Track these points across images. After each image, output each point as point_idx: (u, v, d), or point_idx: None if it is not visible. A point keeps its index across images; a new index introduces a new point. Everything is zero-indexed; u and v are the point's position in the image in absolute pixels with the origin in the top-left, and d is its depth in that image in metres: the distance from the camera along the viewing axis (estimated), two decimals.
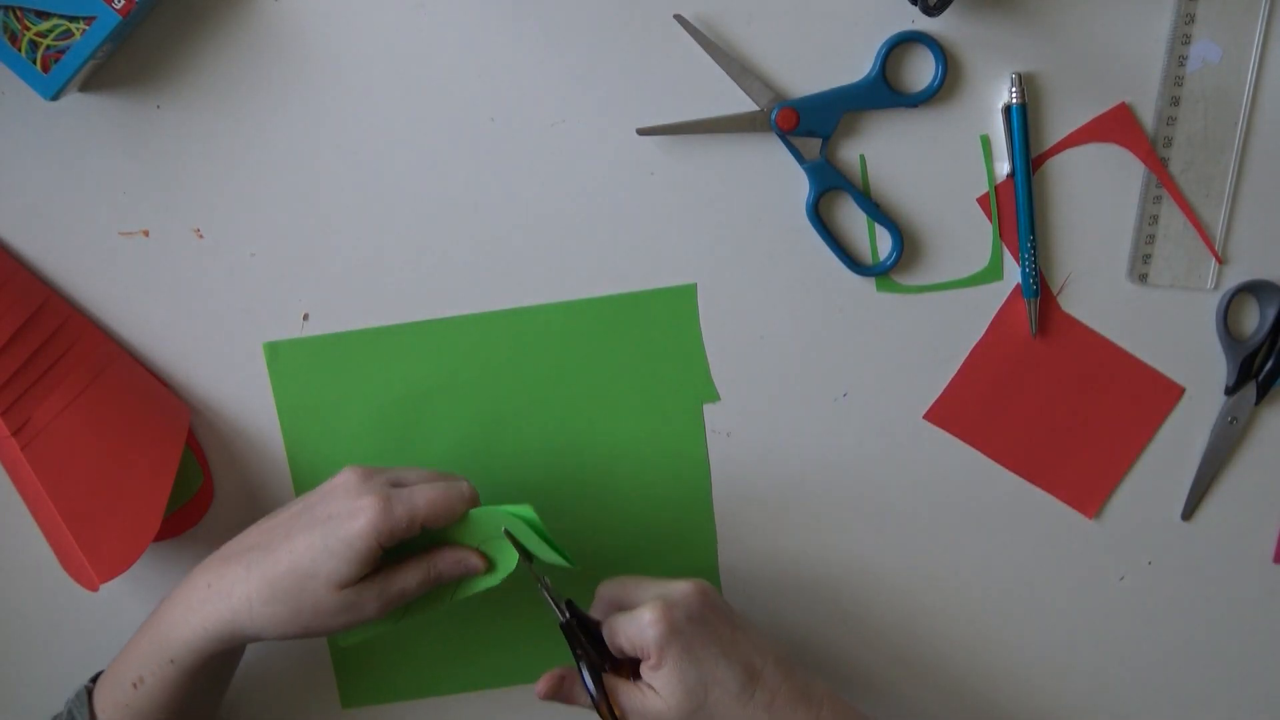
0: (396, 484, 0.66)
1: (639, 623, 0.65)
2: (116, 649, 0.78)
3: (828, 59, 0.72)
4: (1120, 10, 0.72)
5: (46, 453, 0.70)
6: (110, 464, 0.71)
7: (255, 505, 0.77)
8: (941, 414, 0.76)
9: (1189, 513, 0.78)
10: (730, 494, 0.77)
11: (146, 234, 0.74)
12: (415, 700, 0.79)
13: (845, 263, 0.74)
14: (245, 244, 0.74)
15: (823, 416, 0.76)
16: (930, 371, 0.76)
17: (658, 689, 0.65)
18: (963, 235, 0.74)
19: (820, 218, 0.73)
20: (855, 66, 0.72)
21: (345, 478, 0.66)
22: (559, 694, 0.68)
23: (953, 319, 0.75)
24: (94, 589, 0.69)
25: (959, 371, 0.76)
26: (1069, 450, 0.77)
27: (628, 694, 0.66)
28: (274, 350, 0.75)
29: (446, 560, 0.66)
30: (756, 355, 0.75)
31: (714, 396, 0.76)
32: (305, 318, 0.75)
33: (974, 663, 0.79)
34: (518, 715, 0.80)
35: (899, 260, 0.74)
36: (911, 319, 0.75)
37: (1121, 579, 0.79)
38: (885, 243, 0.74)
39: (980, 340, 0.75)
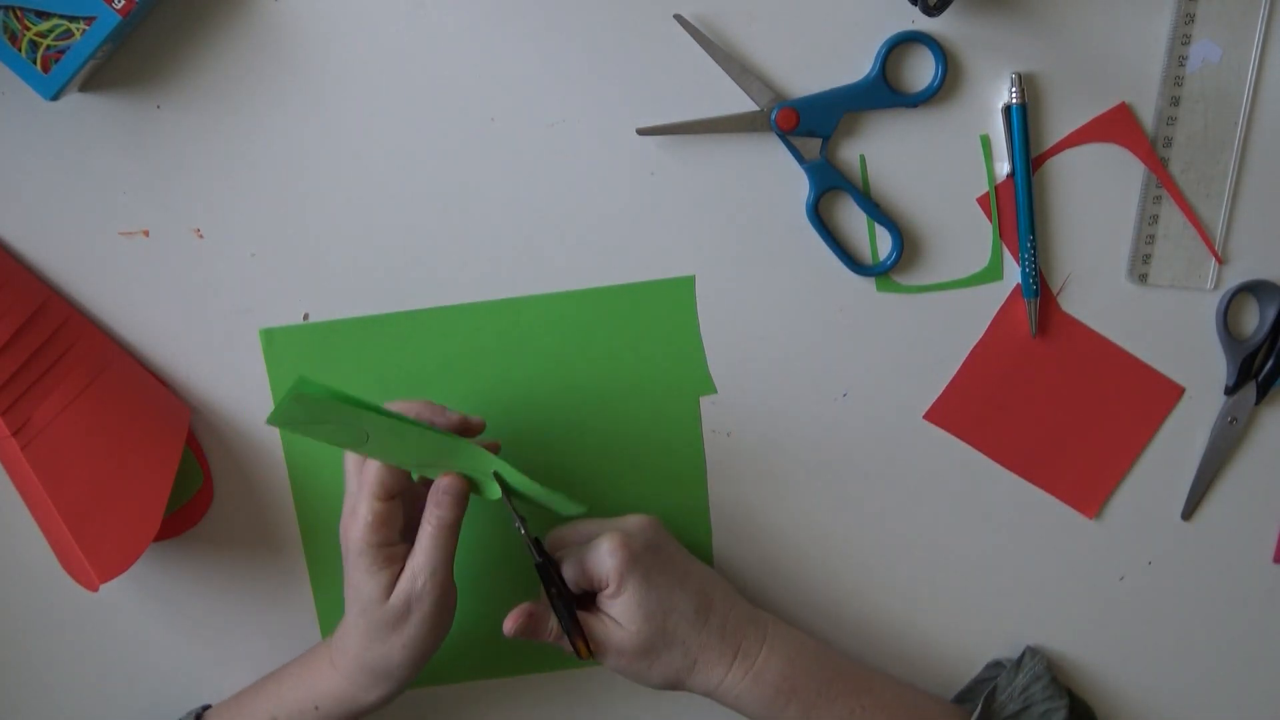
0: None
1: (598, 552, 0.68)
2: (116, 649, 0.79)
3: (828, 59, 0.72)
4: (1120, 10, 0.72)
5: (46, 453, 0.70)
6: (110, 464, 0.71)
7: (255, 505, 0.77)
8: (941, 414, 0.76)
9: (1189, 513, 0.78)
10: (730, 493, 0.77)
11: (146, 234, 0.74)
12: (412, 690, 0.79)
13: (845, 263, 0.74)
14: (245, 244, 0.74)
15: (823, 416, 0.76)
16: (930, 371, 0.76)
17: (617, 617, 0.68)
18: (963, 235, 0.74)
19: (820, 218, 0.73)
20: (855, 66, 0.72)
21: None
22: (526, 630, 0.69)
23: (953, 319, 0.75)
24: (94, 589, 0.69)
25: (959, 371, 0.76)
26: (1069, 450, 0.77)
27: (589, 627, 0.68)
28: (270, 337, 0.75)
29: (429, 506, 0.67)
30: (756, 355, 0.75)
31: (710, 389, 0.76)
32: (305, 317, 0.75)
33: (974, 663, 0.79)
34: (515, 705, 0.80)
35: (899, 260, 0.74)
36: (911, 319, 0.75)
37: (1121, 579, 0.79)
38: (885, 243, 0.74)
39: (980, 340, 0.75)
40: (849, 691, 0.71)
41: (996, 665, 0.79)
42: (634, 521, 0.70)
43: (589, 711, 0.80)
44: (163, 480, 0.71)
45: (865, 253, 0.74)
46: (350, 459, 0.68)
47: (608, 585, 0.68)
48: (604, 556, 0.67)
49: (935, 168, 0.73)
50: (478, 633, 0.78)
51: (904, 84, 0.72)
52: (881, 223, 0.73)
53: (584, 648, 0.68)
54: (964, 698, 0.78)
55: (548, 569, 0.68)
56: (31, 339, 0.70)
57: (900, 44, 0.71)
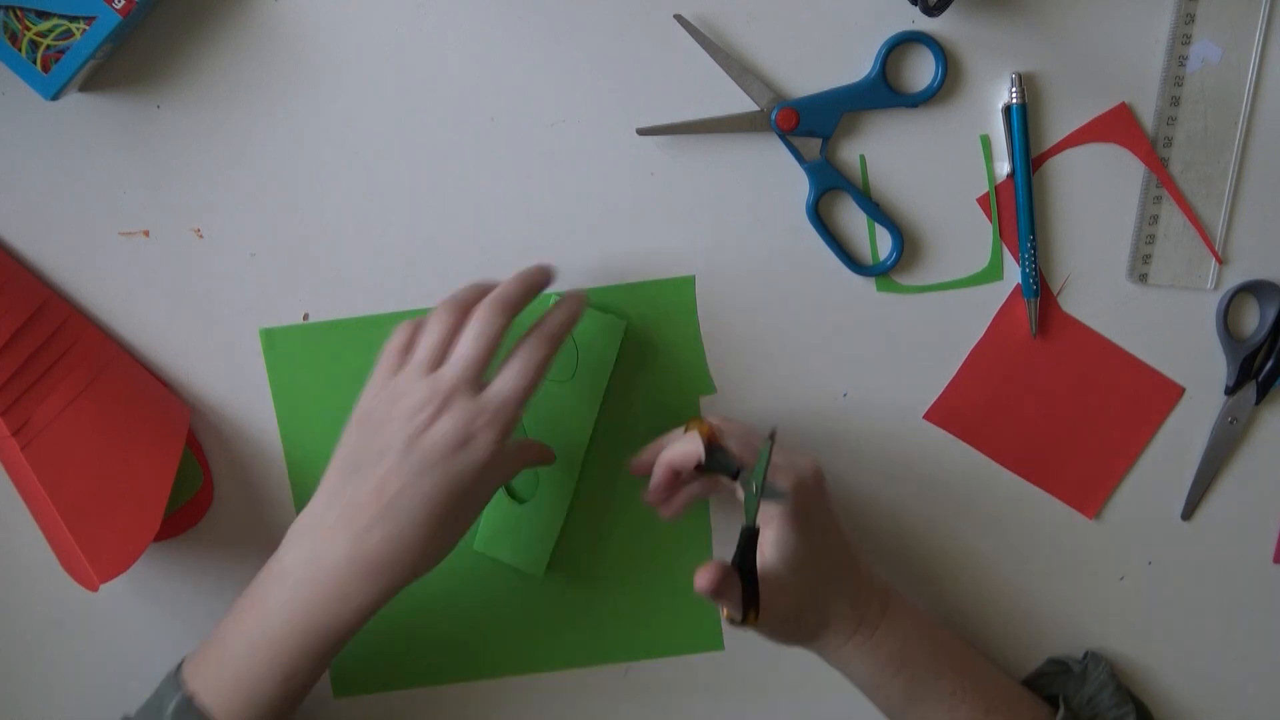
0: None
1: (801, 463, 0.66)
2: (117, 649, 0.79)
3: (828, 59, 0.72)
4: (1120, 10, 0.72)
5: (46, 453, 0.70)
6: (110, 464, 0.71)
7: (255, 505, 0.77)
8: (941, 414, 0.76)
9: (1189, 513, 0.78)
10: (730, 493, 0.77)
11: (146, 234, 0.74)
12: (406, 690, 0.79)
13: (845, 263, 0.74)
14: (245, 244, 0.74)
15: (823, 416, 0.76)
16: (930, 371, 0.76)
17: (775, 564, 0.65)
18: (963, 235, 0.74)
19: (820, 218, 0.73)
20: (855, 66, 0.72)
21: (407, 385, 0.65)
22: (718, 588, 0.61)
23: (953, 319, 0.75)
24: (94, 589, 0.69)
25: (959, 371, 0.76)
26: (1069, 450, 0.77)
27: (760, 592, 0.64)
28: (270, 337, 0.75)
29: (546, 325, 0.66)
30: (757, 355, 0.75)
31: (710, 389, 0.76)
32: (305, 317, 0.75)
33: None
34: (509, 706, 0.79)
35: (899, 260, 0.74)
36: (911, 319, 0.75)
37: (1121, 579, 0.79)
38: (885, 243, 0.74)
39: (980, 340, 0.75)
40: (953, 670, 0.71)
41: (1057, 663, 0.78)
42: (808, 468, 0.67)
43: (590, 712, 0.80)
44: (163, 480, 0.71)
45: (865, 253, 0.74)
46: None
47: (773, 527, 0.66)
48: (806, 469, 0.66)
49: (935, 168, 0.73)
50: (477, 633, 0.78)
51: (904, 84, 0.72)
52: (881, 223, 0.73)
53: (754, 616, 0.63)
54: (1029, 685, 0.77)
55: (755, 538, 0.63)
56: (31, 339, 0.70)
57: (900, 44, 0.71)
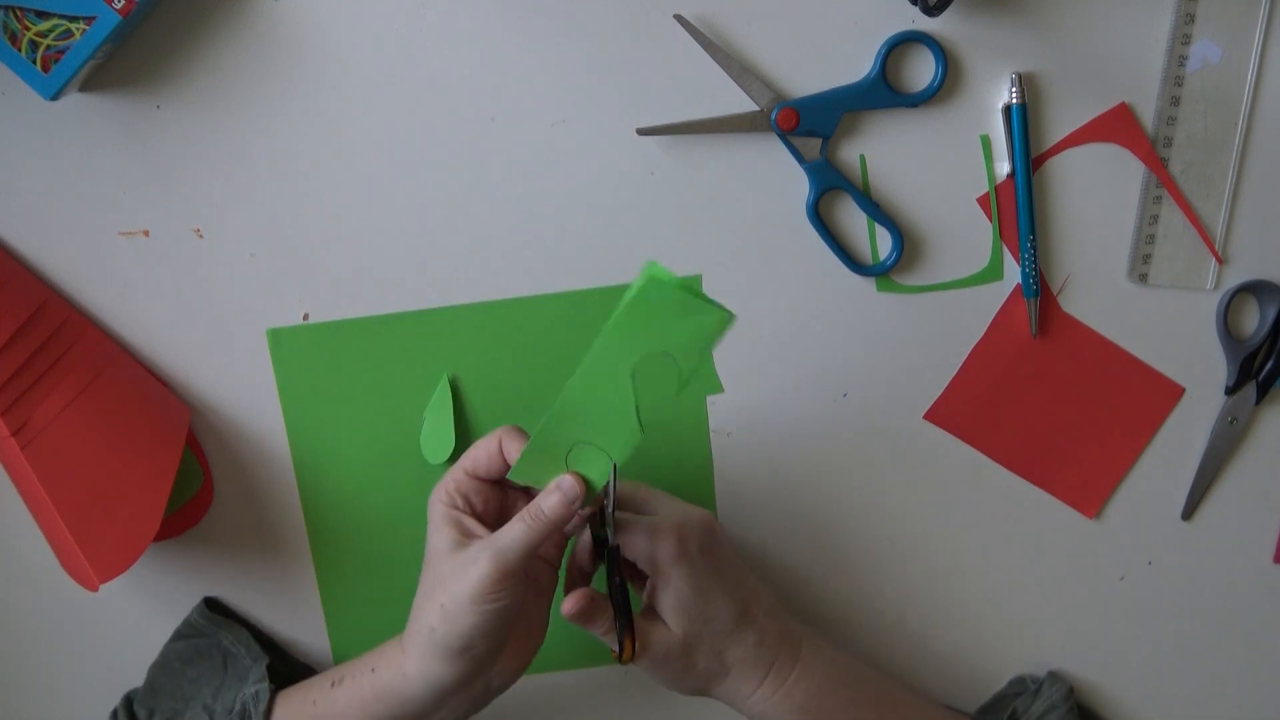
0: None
1: (656, 541, 0.66)
2: (116, 649, 0.79)
3: (827, 59, 0.72)
4: (1120, 10, 0.72)
5: (46, 453, 0.70)
6: (110, 464, 0.71)
7: (255, 505, 0.77)
8: (941, 414, 0.76)
9: (1189, 513, 0.78)
10: (730, 493, 0.77)
11: (146, 234, 0.74)
12: None
13: (845, 263, 0.74)
14: (245, 244, 0.74)
15: (823, 416, 0.76)
16: (930, 371, 0.76)
17: (661, 609, 0.67)
18: (963, 235, 0.74)
19: (820, 218, 0.73)
20: (855, 67, 0.72)
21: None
22: (585, 614, 0.65)
23: (953, 319, 0.75)
24: (94, 589, 0.69)
25: (959, 371, 0.76)
26: (1069, 450, 0.77)
27: (638, 625, 0.67)
28: (277, 338, 0.75)
29: (542, 495, 0.64)
30: (757, 355, 0.75)
31: (717, 388, 0.76)
32: (305, 318, 0.75)
33: (974, 663, 0.79)
34: (514, 704, 0.80)
35: (899, 260, 0.74)
36: (911, 319, 0.75)
37: (1121, 579, 0.79)
38: (885, 243, 0.74)
39: (980, 340, 0.75)
40: (876, 713, 0.71)
41: (1019, 682, 0.78)
42: (696, 517, 0.68)
43: (589, 712, 0.80)
44: (163, 480, 0.71)
45: (865, 253, 0.74)
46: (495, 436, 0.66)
47: (660, 574, 0.66)
48: (661, 547, 0.66)
49: (935, 168, 0.73)
50: None
51: (904, 84, 0.72)
52: (881, 222, 0.73)
53: (630, 647, 0.66)
54: (987, 710, 0.78)
55: (618, 555, 0.66)
56: (31, 339, 0.70)
57: (900, 44, 0.71)
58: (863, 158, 0.73)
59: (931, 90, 0.72)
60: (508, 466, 0.65)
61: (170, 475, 0.71)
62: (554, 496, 0.63)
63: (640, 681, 0.79)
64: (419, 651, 0.65)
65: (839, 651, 0.72)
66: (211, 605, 0.78)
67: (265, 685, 0.71)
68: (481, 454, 0.66)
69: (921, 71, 0.72)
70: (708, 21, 0.71)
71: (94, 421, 0.71)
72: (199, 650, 0.76)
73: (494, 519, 0.67)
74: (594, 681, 0.80)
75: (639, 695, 0.80)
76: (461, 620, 0.63)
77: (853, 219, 0.74)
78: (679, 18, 0.71)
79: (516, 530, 0.63)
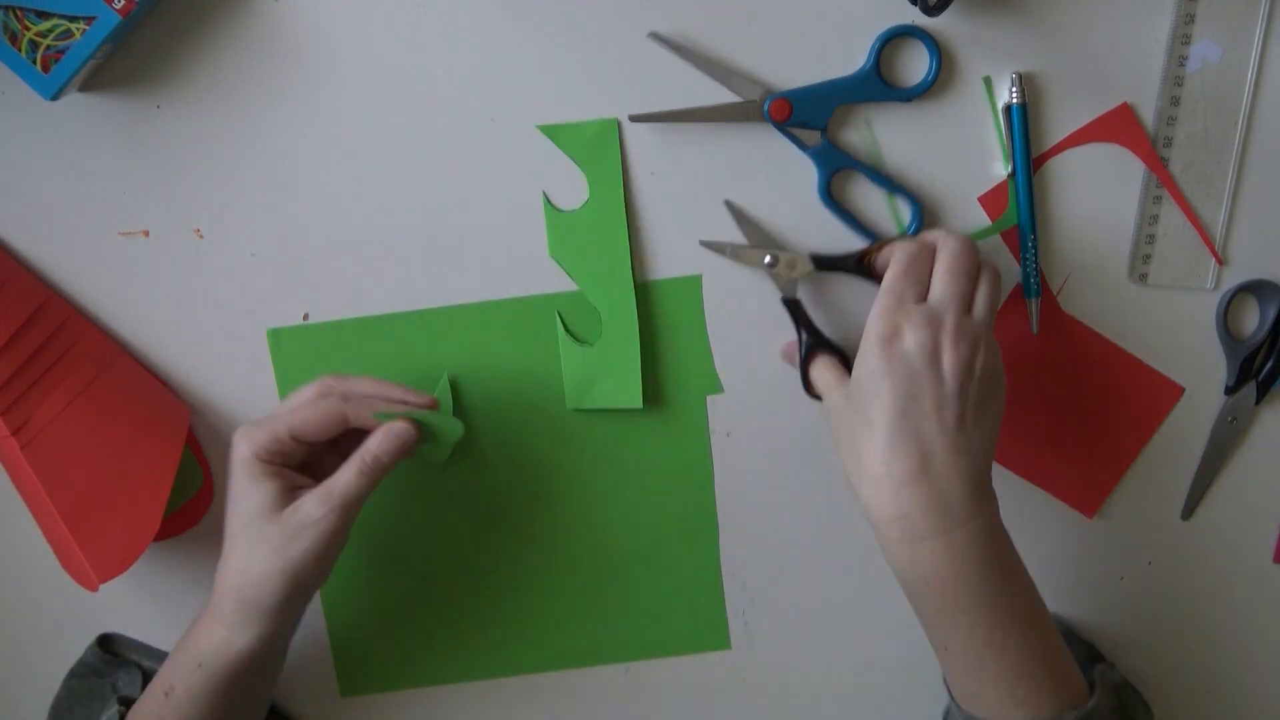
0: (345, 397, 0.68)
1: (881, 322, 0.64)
2: None
3: (828, 59, 0.72)
4: (1120, 10, 0.72)
5: (46, 453, 0.70)
6: (110, 464, 0.71)
7: None
8: None
9: (1189, 513, 0.78)
10: (730, 492, 0.77)
11: (146, 234, 0.74)
12: (414, 689, 0.79)
13: (870, 240, 0.73)
14: (245, 244, 0.74)
15: (823, 416, 0.76)
16: None
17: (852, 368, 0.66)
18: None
19: (835, 200, 0.73)
20: (854, 66, 0.72)
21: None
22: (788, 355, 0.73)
23: None
24: (94, 589, 0.69)
25: None
26: (1069, 450, 0.77)
27: (821, 371, 0.70)
28: (277, 337, 0.75)
29: (374, 440, 0.66)
30: (758, 355, 0.75)
31: (717, 388, 0.76)
32: (305, 318, 0.75)
33: None
34: (517, 705, 0.80)
35: (920, 229, 0.73)
36: None
37: (1121, 579, 0.79)
38: (905, 215, 0.73)
39: None
40: (998, 623, 0.64)
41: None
42: (974, 330, 0.64)
43: (592, 712, 0.80)
44: (163, 480, 0.71)
45: (889, 227, 0.74)
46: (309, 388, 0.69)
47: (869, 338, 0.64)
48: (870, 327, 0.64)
49: (935, 168, 0.73)
50: (474, 633, 0.78)
51: (898, 78, 0.72)
52: (898, 193, 0.73)
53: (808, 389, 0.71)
54: None
55: (799, 307, 0.72)
56: (31, 339, 0.70)
57: (895, 38, 0.71)
58: (868, 121, 0.72)
59: (926, 84, 0.71)
60: (336, 433, 0.67)
61: (170, 475, 0.71)
62: (390, 441, 0.66)
63: (640, 681, 0.79)
64: (259, 618, 0.65)
65: (1009, 545, 0.65)
66: (104, 644, 0.77)
67: (115, 711, 0.70)
68: (313, 420, 0.66)
69: (916, 66, 0.72)
70: (707, 21, 0.71)
71: (94, 421, 0.71)
72: (91, 690, 0.75)
73: (299, 469, 0.68)
74: (594, 681, 0.80)
75: (639, 695, 0.80)
76: (306, 576, 0.65)
77: (866, 196, 0.73)
78: (654, 35, 0.70)
79: (355, 479, 0.65)
